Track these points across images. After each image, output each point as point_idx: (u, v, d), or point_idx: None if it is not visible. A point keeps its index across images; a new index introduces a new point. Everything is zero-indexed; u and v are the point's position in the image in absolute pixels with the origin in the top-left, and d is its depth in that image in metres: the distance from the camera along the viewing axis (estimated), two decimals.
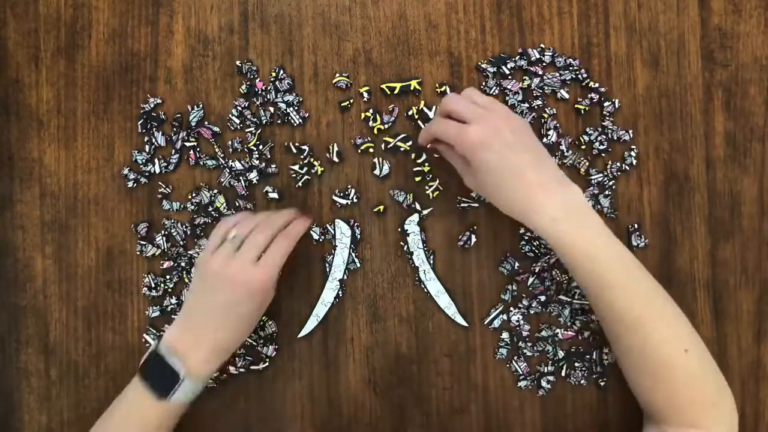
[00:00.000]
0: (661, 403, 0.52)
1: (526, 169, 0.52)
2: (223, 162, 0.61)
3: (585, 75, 0.61)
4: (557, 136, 0.61)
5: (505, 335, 0.61)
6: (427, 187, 0.61)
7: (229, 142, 0.61)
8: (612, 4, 0.62)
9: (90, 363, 0.61)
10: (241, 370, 0.60)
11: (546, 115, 0.61)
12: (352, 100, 0.61)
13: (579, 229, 0.52)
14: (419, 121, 0.61)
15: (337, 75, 0.61)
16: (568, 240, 0.52)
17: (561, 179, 0.53)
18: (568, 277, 0.61)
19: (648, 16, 0.62)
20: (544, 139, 0.61)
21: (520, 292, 0.61)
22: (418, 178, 0.61)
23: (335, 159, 0.61)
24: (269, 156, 0.61)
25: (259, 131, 0.61)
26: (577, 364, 0.60)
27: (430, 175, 0.61)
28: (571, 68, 0.61)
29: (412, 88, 0.61)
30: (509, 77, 0.61)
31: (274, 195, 0.60)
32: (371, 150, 0.61)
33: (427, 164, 0.61)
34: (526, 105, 0.61)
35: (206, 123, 0.61)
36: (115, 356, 0.61)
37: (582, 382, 0.60)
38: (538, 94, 0.61)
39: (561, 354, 0.60)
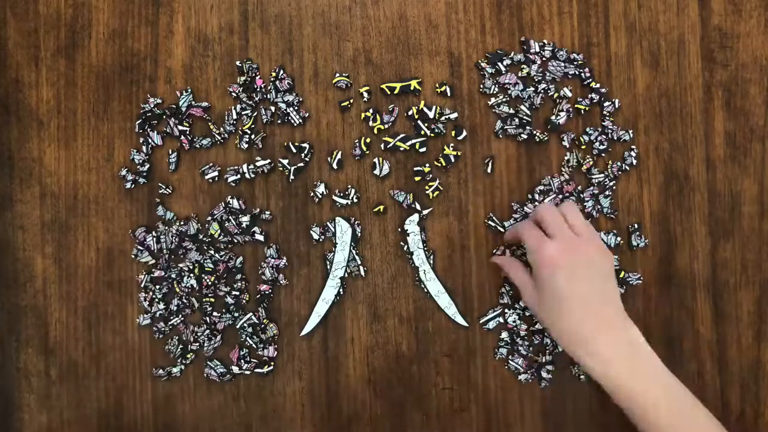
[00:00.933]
0: None
1: (590, 304, 0.51)
2: (219, 139, 0.60)
3: (588, 74, 0.61)
4: (567, 119, 0.61)
5: (504, 335, 0.61)
6: (427, 188, 0.61)
7: (225, 116, 0.61)
8: (612, 4, 0.62)
9: (90, 363, 0.61)
10: (246, 372, 0.60)
11: (557, 96, 0.61)
12: (352, 100, 0.61)
13: (633, 372, 0.50)
14: (419, 121, 0.61)
15: (337, 75, 0.61)
16: (620, 383, 0.50)
17: (622, 318, 0.52)
18: None
19: (648, 16, 0.62)
20: (552, 118, 0.61)
21: (516, 294, 0.61)
22: (417, 178, 0.61)
23: (335, 166, 0.61)
24: (261, 146, 0.61)
25: (255, 114, 0.61)
26: None
27: (430, 175, 0.61)
28: (575, 63, 0.61)
29: (412, 88, 0.61)
30: (505, 73, 0.61)
31: (260, 234, 0.61)
32: (367, 152, 0.61)
33: (427, 165, 0.61)
34: (532, 89, 0.61)
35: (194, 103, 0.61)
36: (115, 356, 0.61)
37: (582, 377, 0.60)
38: (540, 78, 0.61)
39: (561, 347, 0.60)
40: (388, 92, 0.61)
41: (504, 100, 0.61)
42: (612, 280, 0.53)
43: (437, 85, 0.61)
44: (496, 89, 0.61)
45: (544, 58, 0.61)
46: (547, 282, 0.52)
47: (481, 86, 0.61)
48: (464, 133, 0.61)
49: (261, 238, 0.60)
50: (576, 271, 0.51)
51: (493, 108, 0.61)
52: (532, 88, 0.61)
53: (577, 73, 0.61)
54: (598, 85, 0.61)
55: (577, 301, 0.51)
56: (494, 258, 0.60)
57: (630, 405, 0.51)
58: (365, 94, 0.61)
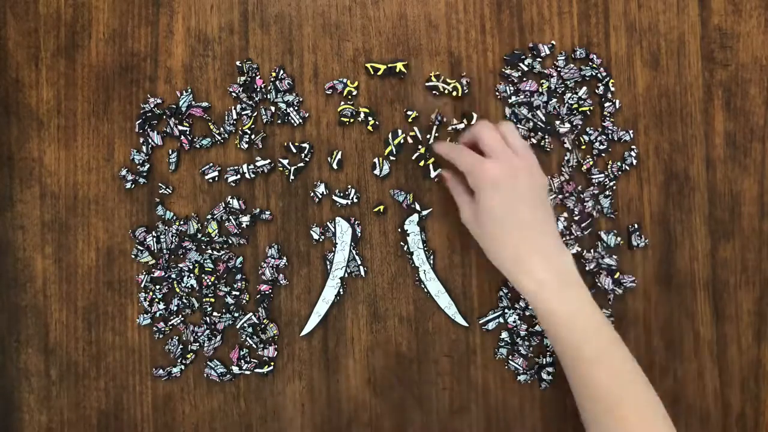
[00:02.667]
0: None
1: (528, 226, 0.51)
2: (219, 139, 0.60)
3: (605, 73, 0.61)
4: (570, 128, 0.61)
5: (504, 335, 0.61)
6: (429, 182, 0.61)
7: (225, 116, 0.61)
8: (612, 4, 0.62)
9: (90, 363, 0.61)
10: (246, 372, 0.60)
11: (576, 106, 0.61)
12: (352, 119, 0.61)
13: (563, 298, 0.51)
14: (415, 128, 0.61)
15: (342, 103, 0.61)
16: (550, 307, 0.51)
17: (557, 245, 0.52)
18: None
19: (648, 16, 0.62)
20: (567, 125, 0.61)
21: (514, 296, 0.61)
22: (421, 163, 0.61)
23: (335, 166, 0.61)
24: (261, 146, 0.61)
25: (255, 114, 0.61)
26: None
27: (431, 166, 0.61)
28: (591, 63, 0.61)
29: (397, 70, 0.61)
30: (524, 79, 0.61)
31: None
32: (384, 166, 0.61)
33: (425, 158, 0.61)
34: (555, 100, 0.61)
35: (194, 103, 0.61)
36: (115, 356, 0.61)
37: None
38: (562, 90, 0.61)
39: None
40: (372, 72, 0.61)
41: (524, 100, 0.61)
42: (549, 206, 0.53)
43: (433, 76, 0.61)
44: (511, 90, 0.61)
45: (558, 67, 0.61)
46: (487, 201, 0.51)
47: (495, 91, 0.61)
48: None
49: (243, 242, 0.60)
50: (516, 193, 0.50)
51: (512, 107, 0.61)
52: (555, 99, 0.61)
53: (594, 74, 0.61)
54: (612, 83, 0.61)
55: (516, 223, 0.51)
56: (441, 171, 0.59)
57: (557, 332, 0.51)
58: (362, 114, 0.61)
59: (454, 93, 0.61)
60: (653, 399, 0.51)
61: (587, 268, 0.61)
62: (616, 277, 0.61)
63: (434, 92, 0.61)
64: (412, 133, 0.61)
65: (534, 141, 0.61)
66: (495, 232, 0.52)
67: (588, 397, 0.51)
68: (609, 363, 0.51)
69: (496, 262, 0.53)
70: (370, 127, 0.61)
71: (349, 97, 0.61)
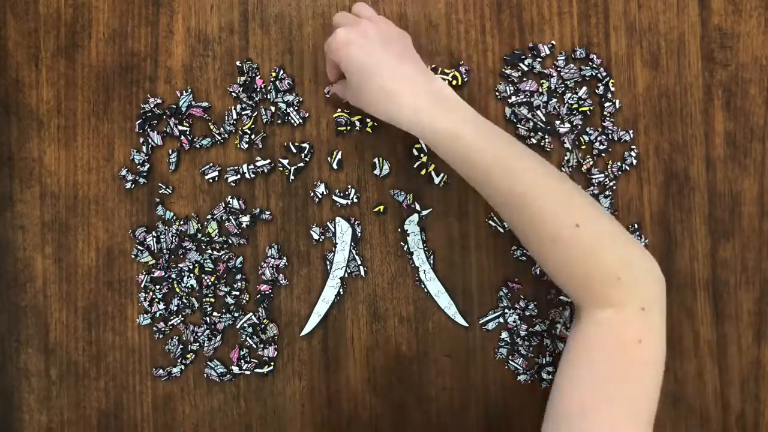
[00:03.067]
0: (564, 281, 0.51)
1: (389, 62, 0.51)
2: (219, 139, 0.60)
3: (605, 73, 0.61)
4: (570, 128, 0.61)
5: (504, 335, 0.61)
6: (429, 183, 0.61)
7: (225, 116, 0.61)
8: (612, 4, 0.62)
9: (90, 363, 0.61)
10: (246, 372, 0.60)
11: (576, 106, 0.61)
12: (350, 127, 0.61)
13: (443, 115, 0.50)
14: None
15: (339, 110, 0.61)
16: (432, 127, 0.50)
17: (425, 72, 0.52)
18: None
19: (648, 16, 0.62)
20: (567, 125, 0.61)
21: (514, 297, 0.61)
22: (423, 172, 0.61)
23: (335, 166, 0.61)
24: (261, 146, 0.61)
25: (255, 114, 0.61)
26: None
27: (432, 165, 0.61)
28: (591, 63, 0.61)
29: None
30: (524, 79, 0.61)
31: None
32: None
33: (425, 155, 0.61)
34: (555, 101, 0.61)
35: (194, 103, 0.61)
36: (115, 356, 0.61)
37: None
38: (562, 90, 0.61)
39: (561, 346, 0.60)
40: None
41: (524, 100, 0.61)
42: (407, 48, 0.54)
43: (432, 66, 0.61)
44: (511, 90, 0.61)
45: (558, 67, 0.61)
46: (347, 63, 0.52)
47: (495, 91, 0.61)
48: None
49: (243, 242, 0.60)
50: (369, 41, 0.52)
51: (512, 107, 0.61)
52: (555, 100, 0.61)
53: (594, 74, 0.61)
54: (605, 89, 0.61)
55: (377, 66, 0.51)
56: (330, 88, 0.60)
57: (450, 148, 0.50)
58: (358, 123, 0.61)
59: (454, 82, 0.61)
60: (568, 188, 0.50)
61: None
62: None
63: None
64: (417, 145, 0.61)
65: (534, 141, 0.61)
66: (362, 85, 0.52)
67: (498, 202, 0.51)
68: (510, 165, 0.50)
69: (375, 111, 0.52)
70: (369, 129, 0.61)
71: None
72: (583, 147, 0.62)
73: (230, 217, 0.61)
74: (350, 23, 0.54)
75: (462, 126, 0.50)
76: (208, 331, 0.60)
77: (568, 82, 0.61)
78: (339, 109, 0.61)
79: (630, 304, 0.48)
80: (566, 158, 0.61)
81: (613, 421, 0.46)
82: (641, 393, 0.47)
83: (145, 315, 0.60)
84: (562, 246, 0.49)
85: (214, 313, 0.60)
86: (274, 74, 0.61)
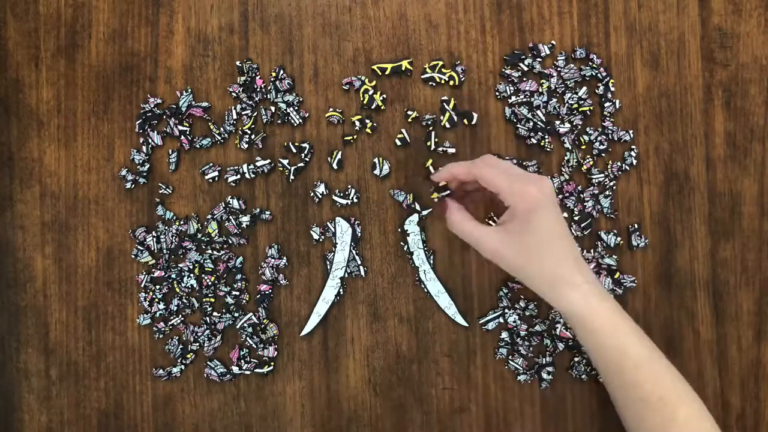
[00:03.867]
0: None
1: (569, 238, 0.51)
2: (219, 139, 0.60)
3: (605, 73, 0.61)
4: (570, 128, 0.61)
5: (504, 335, 0.61)
6: (429, 183, 0.61)
7: (225, 116, 0.61)
8: (612, 4, 0.62)
9: (90, 363, 0.61)
10: (246, 372, 0.60)
11: (576, 106, 0.61)
12: (355, 136, 0.61)
13: (604, 305, 0.50)
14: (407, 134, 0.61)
15: (330, 110, 0.61)
16: (598, 315, 0.50)
17: (582, 257, 0.53)
18: None
19: (648, 16, 0.62)
20: (567, 125, 0.61)
21: (514, 297, 0.61)
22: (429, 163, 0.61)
23: (335, 167, 0.61)
24: (261, 146, 0.61)
25: (255, 114, 0.61)
26: (576, 358, 0.60)
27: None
28: (591, 63, 0.61)
29: (403, 68, 0.61)
30: (524, 79, 0.61)
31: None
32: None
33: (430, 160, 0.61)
34: (555, 101, 0.61)
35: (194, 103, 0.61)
36: (115, 356, 0.61)
37: (583, 376, 0.60)
38: (562, 89, 0.61)
39: (561, 347, 0.60)
40: (380, 73, 0.61)
41: (524, 100, 0.61)
42: None
43: (429, 65, 0.61)
44: (513, 96, 0.61)
45: (558, 67, 0.61)
46: (534, 222, 0.49)
47: (495, 91, 0.61)
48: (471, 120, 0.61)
49: (243, 242, 0.60)
50: (557, 208, 0.50)
51: (512, 107, 0.61)
52: (555, 100, 0.61)
53: (594, 74, 0.61)
54: (606, 89, 0.61)
55: (562, 238, 0.50)
56: (442, 197, 0.55)
57: (602, 340, 0.50)
58: (357, 123, 0.61)
59: (451, 82, 0.61)
60: (697, 399, 0.52)
61: None
62: (616, 277, 0.61)
63: (431, 83, 0.61)
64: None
65: (534, 141, 0.61)
66: (539, 251, 0.50)
67: (636, 398, 0.51)
68: (655, 365, 0.51)
69: (540, 280, 0.51)
70: (368, 130, 0.61)
71: (365, 95, 0.61)
72: (583, 147, 0.62)
73: (230, 217, 0.61)
74: (523, 174, 0.50)
75: (619, 321, 0.51)
76: (208, 331, 0.60)
77: (568, 82, 0.61)
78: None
79: None
80: (566, 158, 0.61)
81: None
82: None
83: (145, 315, 0.60)
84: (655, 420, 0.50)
85: (214, 313, 0.60)
86: (274, 74, 0.61)
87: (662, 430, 0.50)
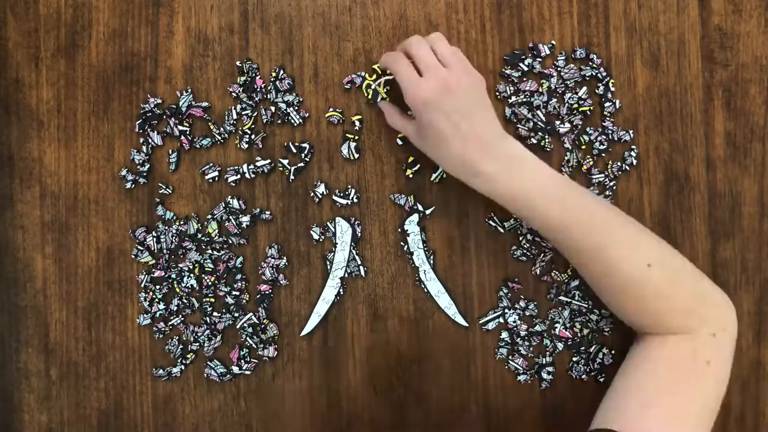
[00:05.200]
0: (637, 318, 0.54)
1: (466, 130, 0.52)
2: (219, 139, 0.60)
3: (605, 73, 0.61)
4: (570, 128, 0.61)
5: (504, 335, 0.61)
6: (429, 184, 0.61)
7: (225, 116, 0.61)
8: (612, 4, 0.62)
9: (90, 363, 0.61)
10: (246, 372, 0.60)
11: (576, 106, 0.61)
12: (357, 137, 0.61)
13: (515, 181, 0.52)
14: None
15: (330, 110, 0.61)
16: (507, 194, 0.53)
17: (497, 133, 0.54)
18: (567, 276, 0.61)
19: (648, 16, 0.62)
20: (567, 125, 0.61)
21: (514, 297, 0.61)
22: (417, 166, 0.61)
23: (355, 154, 0.61)
24: (261, 146, 0.61)
25: (255, 114, 0.61)
26: (575, 358, 0.60)
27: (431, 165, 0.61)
28: (591, 64, 0.61)
29: None
30: (524, 79, 0.61)
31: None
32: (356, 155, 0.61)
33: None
34: (555, 100, 0.61)
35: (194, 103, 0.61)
36: (115, 356, 0.61)
37: (583, 376, 0.60)
38: (562, 89, 0.61)
39: (560, 347, 0.60)
40: (380, 73, 0.61)
41: (524, 100, 0.61)
42: (485, 103, 0.54)
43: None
44: (513, 96, 0.61)
45: (558, 67, 0.61)
46: (425, 122, 0.53)
47: (494, 91, 0.61)
48: None
49: (243, 242, 0.60)
50: (450, 106, 0.52)
51: (512, 107, 0.61)
52: (555, 100, 0.61)
53: (594, 74, 0.61)
54: (606, 89, 0.61)
55: (457, 135, 0.52)
56: (381, 102, 0.60)
57: (525, 207, 0.53)
58: (357, 123, 0.61)
59: None
60: (637, 230, 0.54)
61: None
62: None
63: None
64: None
65: (534, 141, 0.61)
66: (440, 146, 0.54)
67: (572, 253, 0.54)
68: (582, 220, 0.53)
69: (454, 173, 0.55)
70: (368, 130, 0.61)
71: (368, 90, 0.61)
72: (583, 147, 0.62)
73: (230, 217, 0.61)
74: (429, 65, 0.53)
75: (533, 184, 0.52)
76: (208, 331, 0.60)
77: (568, 82, 0.61)
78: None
79: (701, 331, 0.52)
80: (566, 158, 0.61)
81: (676, 412, 0.49)
82: (703, 403, 0.50)
83: (145, 315, 0.60)
84: (635, 288, 0.52)
85: (214, 313, 0.60)
86: (274, 74, 0.61)
87: (603, 275, 0.53)
